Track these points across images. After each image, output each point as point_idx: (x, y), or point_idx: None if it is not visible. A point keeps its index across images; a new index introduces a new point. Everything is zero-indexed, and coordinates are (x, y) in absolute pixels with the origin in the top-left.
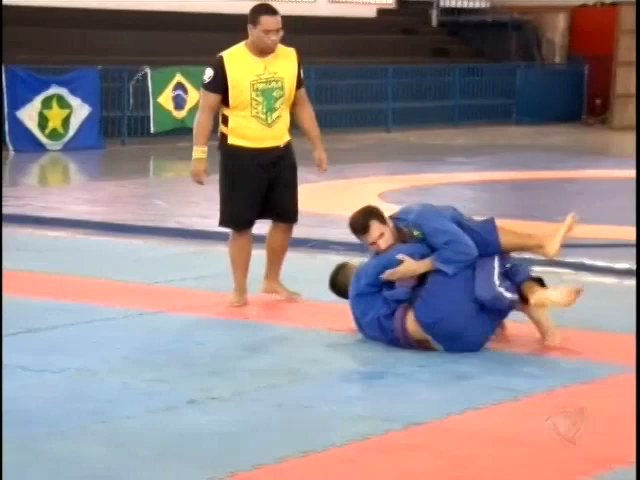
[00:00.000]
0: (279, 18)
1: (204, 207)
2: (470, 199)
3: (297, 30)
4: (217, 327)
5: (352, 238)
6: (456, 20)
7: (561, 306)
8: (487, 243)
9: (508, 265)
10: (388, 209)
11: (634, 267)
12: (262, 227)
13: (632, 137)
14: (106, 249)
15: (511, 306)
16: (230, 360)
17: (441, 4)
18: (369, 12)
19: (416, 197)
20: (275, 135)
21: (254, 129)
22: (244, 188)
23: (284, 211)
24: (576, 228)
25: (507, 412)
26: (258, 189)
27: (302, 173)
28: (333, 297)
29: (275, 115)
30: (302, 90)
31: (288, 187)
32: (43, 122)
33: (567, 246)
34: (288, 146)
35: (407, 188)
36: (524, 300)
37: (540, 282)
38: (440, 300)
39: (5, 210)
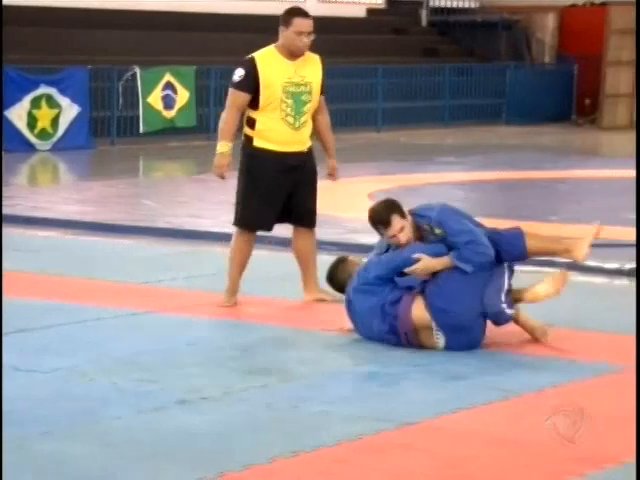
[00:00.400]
0: (312, 21)
1: (194, 207)
2: (460, 199)
3: None
4: (207, 327)
5: (343, 238)
6: (446, 20)
7: (553, 296)
8: (513, 245)
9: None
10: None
11: (624, 267)
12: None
13: (621, 137)
14: (96, 249)
15: (508, 320)
16: (220, 360)
17: (431, 4)
18: (359, 12)
19: (406, 197)
20: (301, 139)
21: (282, 132)
22: (263, 191)
23: (303, 215)
24: (566, 227)
25: (498, 412)
26: (278, 194)
27: None
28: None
29: (303, 119)
30: (322, 97)
31: (308, 192)
32: (32, 122)
33: None
34: (310, 151)
35: (397, 188)
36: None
37: None
38: (455, 290)
39: None
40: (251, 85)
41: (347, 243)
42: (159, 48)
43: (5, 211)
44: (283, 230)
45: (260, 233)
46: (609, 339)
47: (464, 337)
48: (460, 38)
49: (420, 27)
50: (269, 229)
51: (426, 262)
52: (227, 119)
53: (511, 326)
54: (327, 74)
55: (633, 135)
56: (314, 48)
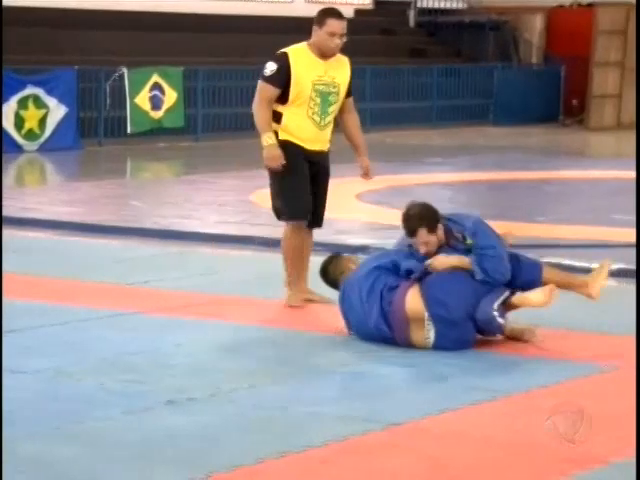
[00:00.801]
0: (345, 23)
1: (182, 208)
2: (448, 200)
3: (274, 30)
4: (194, 328)
5: (331, 239)
6: (434, 21)
7: (540, 305)
8: (529, 274)
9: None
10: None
11: (611, 267)
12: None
13: (608, 138)
14: (83, 250)
15: (497, 329)
16: (208, 361)
17: (419, 5)
18: (346, 12)
19: (394, 198)
20: (323, 139)
21: (307, 129)
22: (302, 180)
23: (316, 215)
24: (553, 228)
25: (486, 412)
26: (308, 182)
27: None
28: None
29: (327, 119)
30: (351, 99)
31: (322, 193)
32: (19, 123)
33: (545, 246)
34: (328, 153)
35: (385, 189)
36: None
37: None
38: (456, 286)
39: None
40: (282, 80)
41: (335, 244)
42: (147, 49)
43: None
44: (267, 230)
45: (244, 233)
46: (597, 339)
47: (454, 334)
48: (448, 39)
49: (408, 28)
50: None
51: (443, 258)
52: (261, 113)
53: None
54: None
55: (620, 136)
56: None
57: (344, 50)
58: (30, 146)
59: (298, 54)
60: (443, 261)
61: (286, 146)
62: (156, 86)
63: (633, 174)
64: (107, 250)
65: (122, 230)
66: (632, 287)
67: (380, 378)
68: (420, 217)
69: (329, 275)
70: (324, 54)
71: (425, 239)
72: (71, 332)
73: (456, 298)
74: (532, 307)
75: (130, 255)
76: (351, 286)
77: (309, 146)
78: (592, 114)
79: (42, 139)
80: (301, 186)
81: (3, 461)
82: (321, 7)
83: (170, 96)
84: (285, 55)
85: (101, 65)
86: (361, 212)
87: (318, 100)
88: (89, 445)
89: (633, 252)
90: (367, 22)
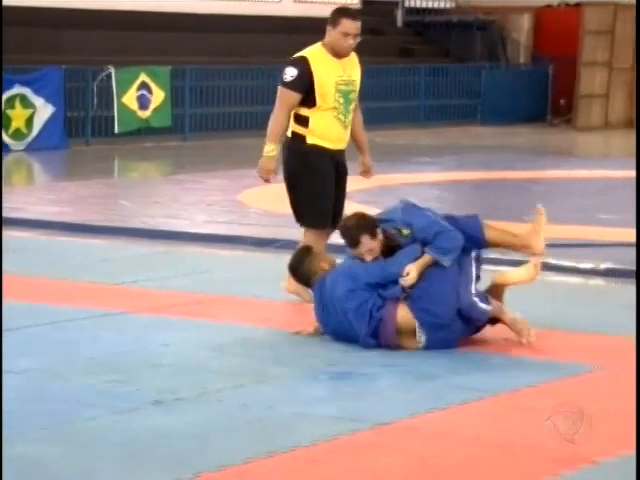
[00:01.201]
0: (359, 23)
1: (169, 207)
2: (435, 199)
3: (262, 30)
4: (182, 328)
5: None
6: (421, 20)
7: (525, 282)
8: (472, 239)
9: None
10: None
11: (599, 267)
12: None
13: (596, 137)
14: (71, 250)
15: (485, 316)
16: (196, 361)
17: (406, 4)
18: None
19: (382, 197)
20: (346, 138)
21: (335, 130)
22: (328, 188)
23: (336, 215)
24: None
25: (473, 412)
26: (333, 190)
27: None
28: (299, 298)
29: (350, 117)
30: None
31: (343, 193)
32: (6, 122)
33: None
34: (345, 151)
35: (373, 188)
36: (495, 296)
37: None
38: (437, 290)
39: None
40: (304, 85)
41: None
42: (134, 48)
43: None
44: (256, 230)
45: (233, 233)
46: (584, 339)
47: (443, 334)
48: (435, 38)
49: (395, 27)
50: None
51: (414, 273)
52: (279, 119)
53: (486, 326)
54: None
55: (607, 135)
56: (290, 49)
57: None
58: (17, 146)
59: (317, 57)
60: (412, 274)
61: (314, 151)
62: (143, 85)
63: (620, 173)
64: (95, 250)
65: (110, 230)
66: (619, 286)
67: (368, 378)
68: (359, 226)
69: (302, 270)
70: (338, 54)
71: (369, 246)
72: (59, 332)
73: (442, 303)
74: (516, 284)
75: (118, 255)
76: (331, 303)
77: (335, 146)
78: (580, 114)
79: (29, 139)
80: (325, 195)
81: None
82: (308, 7)
83: (157, 96)
84: (304, 59)
85: (88, 65)
86: (349, 211)
87: (341, 100)
88: (77, 445)
89: (620, 251)
90: None
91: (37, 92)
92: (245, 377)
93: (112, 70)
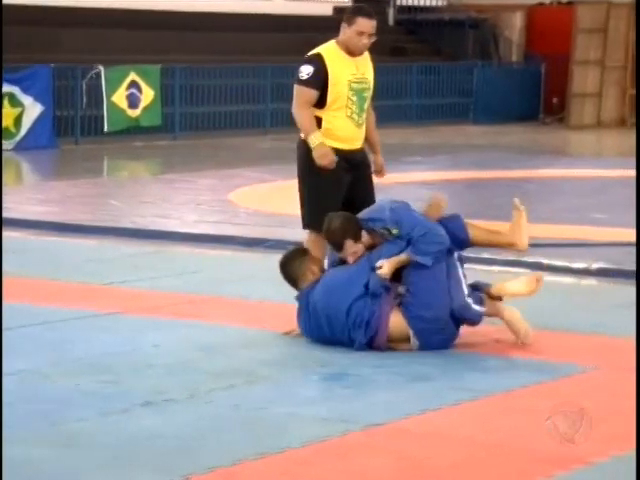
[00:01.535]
0: (375, 23)
1: (159, 207)
2: (427, 199)
3: (253, 28)
4: (172, 328)
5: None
6: (413, 19)
7: (523, 295)
8: (455, 239)
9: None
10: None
11: (591, 267)
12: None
13: (588, 136)
14: (60, 250)
15: (475, 317)
16: (186, 361)
17: (398, 2)
18: (325, 10)
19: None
20: (361, 137)
21: (348, 130)
22: (333, 190)
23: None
24: (534, 227)
25: (466, 412)
26: (342, 193)
27: (258, 172)
28: (290, 298)
29: (363, 117)
30: None
31: (369, 187)
32: None
33: None
34: (364, 147)
35: None
36: (492, 298)
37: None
38: (429, 295)
39: None
40: (320, 82)
41: None
42: (124, 46)
43: None
44: (246, 230)
45: (223, 233)
46: (577, 339)
47: (437, 337)
48: (428, 37)
49: (387, 26)
50: None
51: (387, 266)
52: (304, 116)
53: (480, 326)
54: (283, 71)
55: (600, 134)
56: (281, 47)
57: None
58: (5, 145)
59: (331, 54)
60: (384, 269)
61: None
62: (133, 84)
63: (613, 172)
64: (84, 250)
65: (99, 230)
66: (612, 286)
67: (359, 378)
68: (343, 230)
69: (290, 269)
70: (352, 52)
71: (353, 249)
72: (47, 332)
73: (435, 308)
74: (514, 297)
75: (107, 255)
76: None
77: (349, 146)
78: (572, 112)
79: (18, 138)
80: (327, 197)
81: None
82: (300, 5)
83: (147, 94)
84: (319, 56)
85: (77, 63)
86: (358, 221)
87: (355, 99)
88: (65, 447)
89: (613, 251)
90: None
91: (26, 91)
92: (235, 378)
93: (101, 69)
